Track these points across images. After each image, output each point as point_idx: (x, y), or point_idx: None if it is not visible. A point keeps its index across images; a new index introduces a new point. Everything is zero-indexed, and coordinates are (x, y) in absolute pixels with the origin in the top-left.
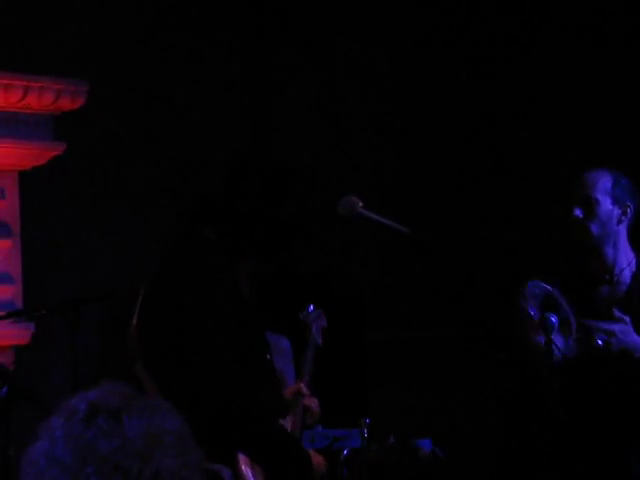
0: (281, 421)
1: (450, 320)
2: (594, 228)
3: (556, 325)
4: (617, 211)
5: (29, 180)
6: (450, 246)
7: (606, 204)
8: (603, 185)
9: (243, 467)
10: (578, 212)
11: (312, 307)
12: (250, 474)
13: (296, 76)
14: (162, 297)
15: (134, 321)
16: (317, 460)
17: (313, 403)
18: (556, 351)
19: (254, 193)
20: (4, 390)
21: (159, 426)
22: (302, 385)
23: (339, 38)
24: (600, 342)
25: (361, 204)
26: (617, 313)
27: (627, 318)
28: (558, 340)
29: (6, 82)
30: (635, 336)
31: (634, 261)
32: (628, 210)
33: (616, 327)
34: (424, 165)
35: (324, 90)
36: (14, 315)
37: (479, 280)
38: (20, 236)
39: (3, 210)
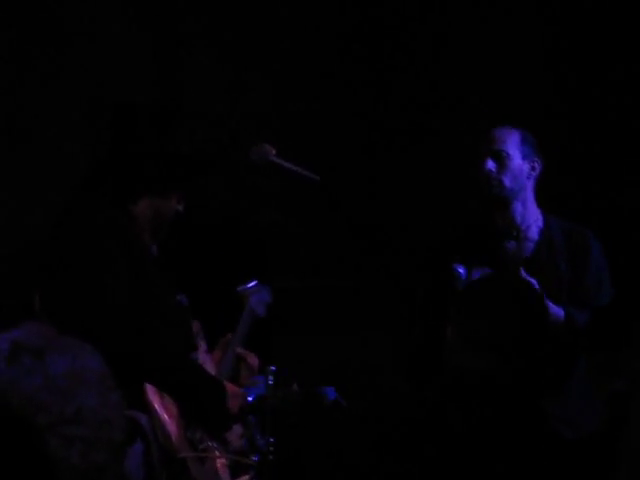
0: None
1: (354, 269)
2: (506, 181)
3: (464, 276)
4: (526, 166)
5: None
6: (357, 196)
7: (517, 158)
8: (513, 140)
9: (150, 398)
10: (490, 165)
11: (254, 282)
12: (158, 404)
13: (204, 26)
14: (56, 253)
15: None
16: (233, 390)
17: (250, 357)
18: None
19: (139, 134)
20: None
21: (81, 365)
22: (229, 336)
23: None
24: None
25: (274, 152)
26: (523, 274)
27: (533, 281)
28: None
29: None
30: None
31: (541, 217)
32: (536, 165)
33: None
34: (338, 114)
35: (232, 37)
36: None
37: (386, 231)
38: None
39: None
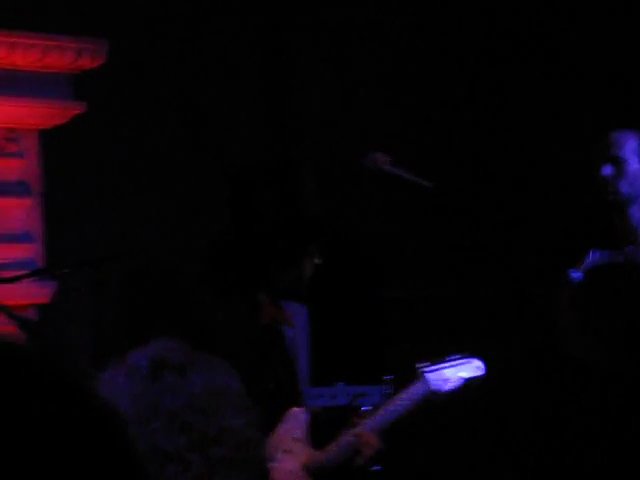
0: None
1: (469, 279)
2: (623, 186)
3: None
4: None
5: (49, 139)
6: (472, 204)
7: (634, 163)
8: (630, 145)
9: None
10: (607, 170)
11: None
12: None
13: (311, 35)
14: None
15: None
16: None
17: (369, 446)
18: None
19: (260, 210)
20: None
21: (222, 383)
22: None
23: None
24: None
25: (388, 160)
26: None
27: None
28: None
29: (25, 41)
30: None
31: None
32: None
33: None
34: (451, 122)
35: (342, 49)
36: (36, 274)
37: (502, 240)
38: (40, 195)
39: (23, 169)
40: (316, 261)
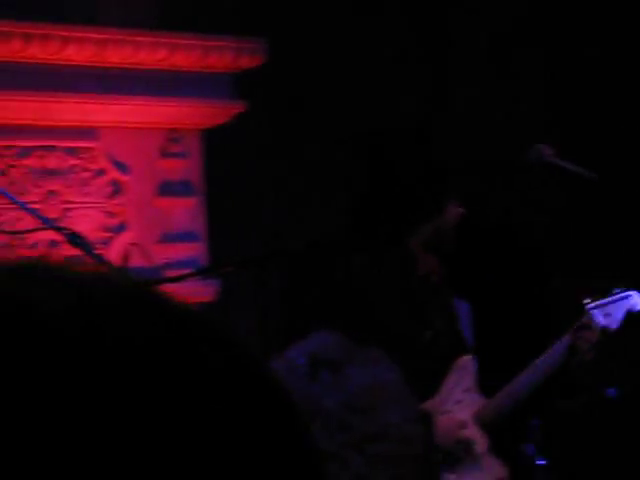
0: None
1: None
2: None
3: None
4: None
5: (212, 138)
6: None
7: None
8: None
9: None
10: None
11: (616, 294)
12: None
13: (471, 30)
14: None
15: None
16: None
17: (583, 339)
18: None
19: (401, 162)
20: None
21: (382, 378)
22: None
23: None
24: None
25: (551, 152)
26: None
27: None
28: None
29: (186, 42)
30: None
31: None
32: None
33: None
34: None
35: (501, 43)
36: (200, 273)
37: None
38: (203, 195)
39: (186, 169)
40: (459, 210)
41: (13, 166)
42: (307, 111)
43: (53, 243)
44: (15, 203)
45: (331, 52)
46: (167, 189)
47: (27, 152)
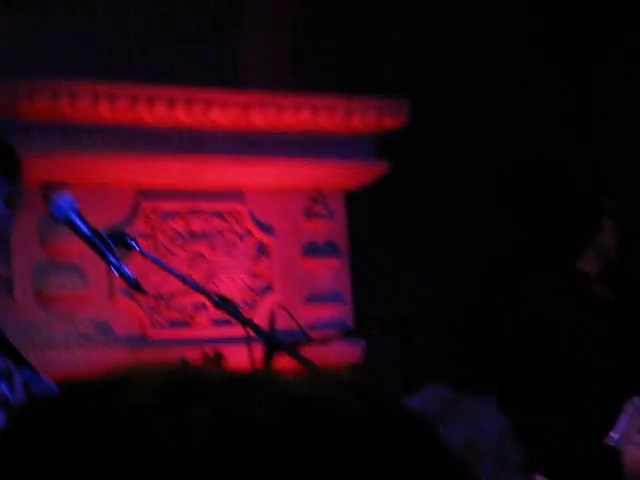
0: None
1: None
2: None
3: None
4: None
5: (357, 200)
6: None
7: None
8: None
9: None
10: None
11: None
12: None
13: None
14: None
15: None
16: None
17: None
18: None
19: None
20: None
21: (477, 431)
22: None
23: None
24: None
25: None
26: None
27: None
28: None
29: (329, 104)
30: None
31: None
32: None
33: None
34: None
35: None
36: (346, 335)
37: None
38: (348, 255)
39: (331, 230)
40: (614, 223)
41: (159, 229)
42: (450, 168)
43: (199, 306)
44: (161, 266)
45: (473, 107)
46: (312, 250)
47: (173, 215)
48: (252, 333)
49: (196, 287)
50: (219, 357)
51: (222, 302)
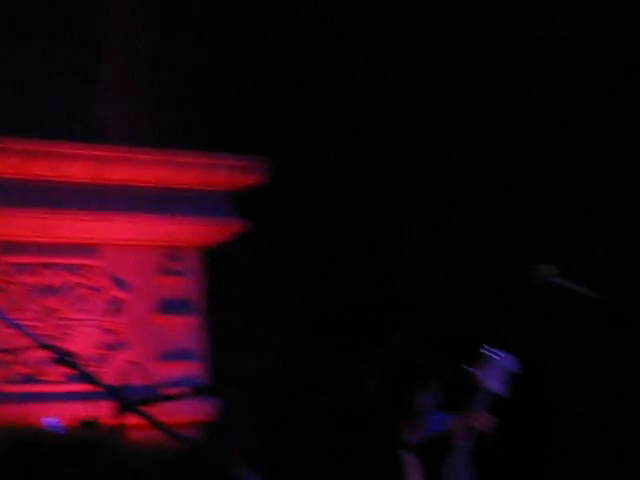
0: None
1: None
2: None
3: None
4: None
5: (211, 257)
6: None
7: None
8: None
9: None
10: None
11: (494, 352)
12: None
13: (477, 145)
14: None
15: None
16: None
17: (480, 423)
18: None
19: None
20: None
21: None
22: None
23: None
24: None
25: (556, 272)
26: None
27: None
28: None
29: (186, 160)
30: None
31: None
32: None
33: None
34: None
35: (507, 161)
36: (199, 392)
37: None
38: (202, 313)
39: (186, 287)
40: (407, 334)
41: (11, 283)
42: (306, 229)
43: (50, 362)
44: (6, 321)
45: (329, 168)
46: (166, 307)
47: (26, 269)
48: (102, 389)
49: (41, 343)
50: (94, 422)
51: (65, 358)
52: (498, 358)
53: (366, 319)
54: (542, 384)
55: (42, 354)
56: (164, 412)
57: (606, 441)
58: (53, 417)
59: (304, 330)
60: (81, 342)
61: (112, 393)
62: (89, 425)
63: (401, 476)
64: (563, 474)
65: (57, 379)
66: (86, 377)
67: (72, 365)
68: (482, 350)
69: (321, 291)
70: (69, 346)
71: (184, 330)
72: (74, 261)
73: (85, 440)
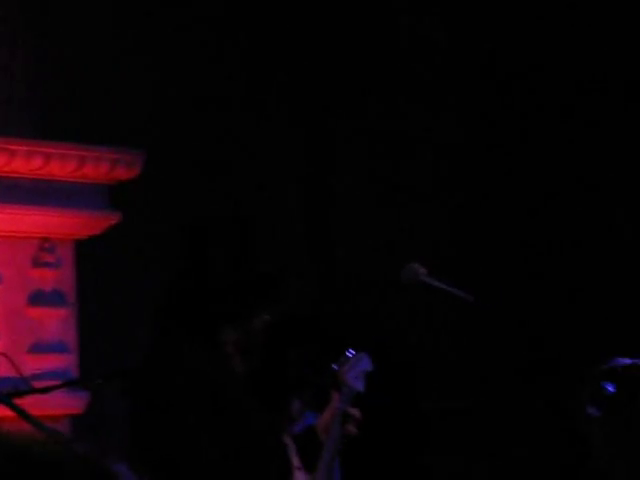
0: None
1: (509, 390)
2: None
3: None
4: None
5: (85, 249)
6: (514, 316)
7: None
8: None
9: None
10: None
11: (351, 351)
12: None
13: (352, 143)
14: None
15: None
16: None
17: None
18: None
19: (214, 263)
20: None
21: None
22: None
23: (395, 106)
24: None
25: (424, 271)
26: None
27: None
28: None
29: (62, 152)
30: None
31: None
32: None
33: None
34: (487, 236)
35: (381, 159)
36: (69, 384)
37: (546, 353)
38: (76, 305)
39: (59, 279)
40: (265, 318)
41: None
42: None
43: None
44: None
45: (203, 162)
46: (38, 299)
47: None
48: None
49: None
50: None
51: None
52: (356, 357)
53: (226, 305)
54: (411, 382)
55: None
56: (34, 405)
57: (468, 439)
58: None
59: (166, 317)
60: None
61: None
62: None
63: (285, 460)
64: (429, 469)
65: None
66: None
67: None
68: (346, 350)
69: (181, 277)
70: None
71: (56, 322)
72: None
73: None
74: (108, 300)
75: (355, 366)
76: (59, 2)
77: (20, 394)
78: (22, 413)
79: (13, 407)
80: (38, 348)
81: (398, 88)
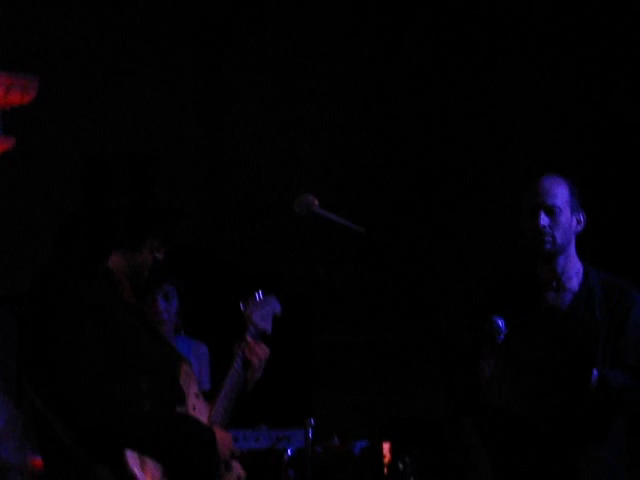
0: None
1: (396, 324)
2: (558, 236)
3: (504, 330)
4: (574, 220)
5: None
6: (402, 248)
7: (567, 213)
8: (564, 193)
9: (131, 467)
10: (544, 221)
11: (261, 294)
12: (138, 474)
13: (249, 77)
14: (31, 321)
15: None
16: (221, 435)
17: (256, 355)
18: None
19: (109, 188)
20: None
21: None
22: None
23: (294, 39)
24: None
25: (317, 203)
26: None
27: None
28: None
29: None
30: None
31: (582, 270)
32: (581, 218)
33: None
34: (380, 167)
35: (277, 90)
36: None
37: (429, 286)
38: None
39: None
40: (158, 255)
41: None
42: (76, 149)
43: None
44: None
45: (100, 88)
46: None
47: None
48: None
49: None
50: None
51: None
52: (265, 299)
53: (117, 232)
54: (303, 315)
55: None
56: None
57: (358, 371)
58: None
59: (59, 242)
60: None
61: None
62: None
63: (177, 386)
64: (329, 396)
65: None
66: None
67: None
68: (255, 291)
69: (79, 205)
70: None
71: None
72: None
73: None
74: (18, 227)
75: (262, 307)
76: None
77: None
78: None
79: None
80: None
81: (293, 19)
